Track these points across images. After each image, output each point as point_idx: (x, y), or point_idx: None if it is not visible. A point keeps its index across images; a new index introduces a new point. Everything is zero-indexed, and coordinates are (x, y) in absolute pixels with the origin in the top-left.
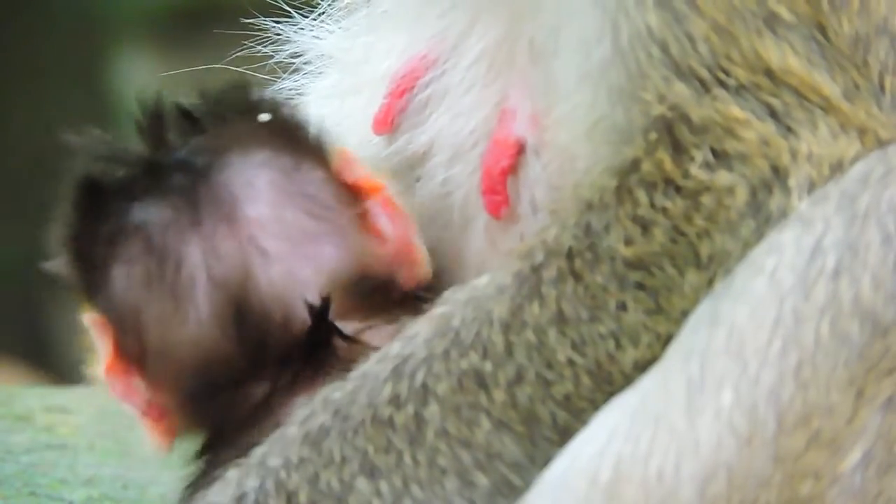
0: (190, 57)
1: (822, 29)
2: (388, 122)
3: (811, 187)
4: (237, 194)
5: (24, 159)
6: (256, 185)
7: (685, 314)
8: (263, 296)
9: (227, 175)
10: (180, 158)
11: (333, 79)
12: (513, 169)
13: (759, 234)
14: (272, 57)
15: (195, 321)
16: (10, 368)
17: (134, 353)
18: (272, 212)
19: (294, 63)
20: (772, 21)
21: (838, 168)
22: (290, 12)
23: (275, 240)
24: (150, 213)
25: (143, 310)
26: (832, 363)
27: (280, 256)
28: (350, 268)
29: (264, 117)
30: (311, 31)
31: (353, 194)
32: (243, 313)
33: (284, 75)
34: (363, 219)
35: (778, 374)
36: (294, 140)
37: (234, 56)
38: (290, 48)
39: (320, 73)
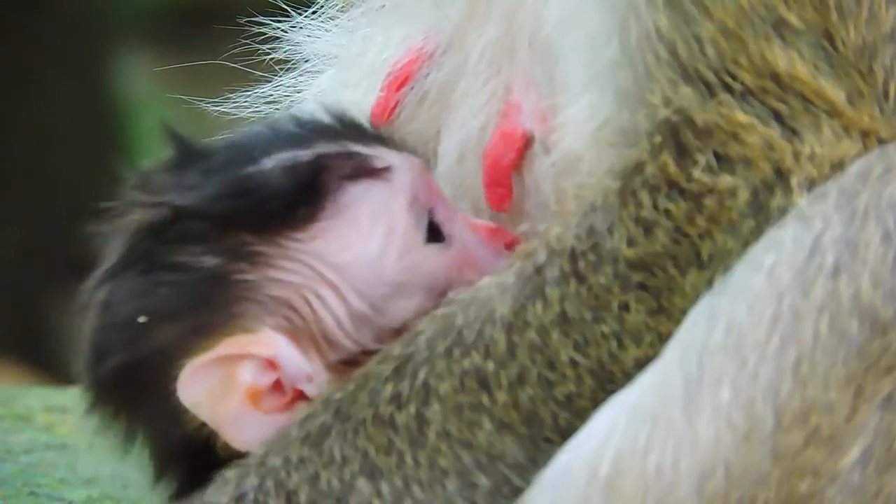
0: (189, 57)
1: (830, 37)
2: (386, 115)
3: (812, 186)
4: None
5: (23, 159)
6: None
7: (686, 313)
8: None
9: None
10: None
11: (331, 74)
12: (518, 163)
13: (759, 233)
14: (269, 55)
15: None
16: (10, 368)
17: None
18: None
19: (292, 61)
20: (780, 27)
21: (839, 167)
22: (287, 11)
23: None
24: None
25: None
26: (831, 360)
27: None
28: None
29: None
30: (309, 29)
31: None
32: None
33: (281, 73)
34: None
35: (776, 370)
36: None
37: (231, 53)
38: (288, 46)
39: (318, 70)
